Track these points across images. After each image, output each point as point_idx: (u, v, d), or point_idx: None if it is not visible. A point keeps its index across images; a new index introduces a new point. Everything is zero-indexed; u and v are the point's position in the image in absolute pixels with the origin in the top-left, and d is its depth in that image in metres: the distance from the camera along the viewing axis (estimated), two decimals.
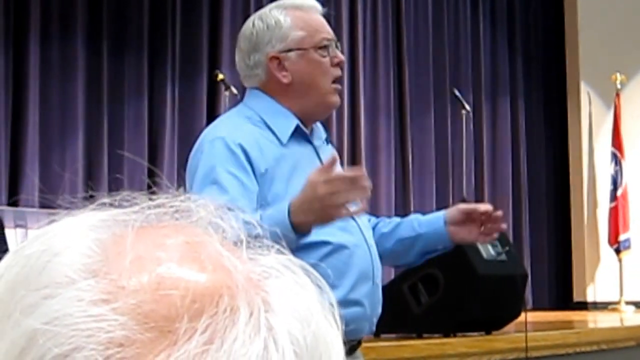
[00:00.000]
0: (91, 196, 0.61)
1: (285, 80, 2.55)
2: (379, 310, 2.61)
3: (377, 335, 4.91)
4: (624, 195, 9.26)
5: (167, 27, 7.30)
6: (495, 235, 2.70)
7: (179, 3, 7.37)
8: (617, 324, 7.14)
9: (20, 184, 6.42)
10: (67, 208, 0.60)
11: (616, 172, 9.29)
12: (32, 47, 6.60)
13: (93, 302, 0.53)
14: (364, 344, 2.73)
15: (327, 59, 2.58)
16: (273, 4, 2.63)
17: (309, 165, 2.55)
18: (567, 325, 6.76)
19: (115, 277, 0.54)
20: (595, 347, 5.62)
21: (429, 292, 5.07)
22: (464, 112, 6.98)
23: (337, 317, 0.58)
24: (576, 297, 9.52)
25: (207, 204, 0.60)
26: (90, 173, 6.76)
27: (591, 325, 7.14)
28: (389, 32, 8.71)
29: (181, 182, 2.61)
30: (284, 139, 2.53)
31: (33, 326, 0.53)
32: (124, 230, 0.58)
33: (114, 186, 0.65)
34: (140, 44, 7.14)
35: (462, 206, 2.69)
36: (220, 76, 6.44)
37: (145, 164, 6.49)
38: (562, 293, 9.62)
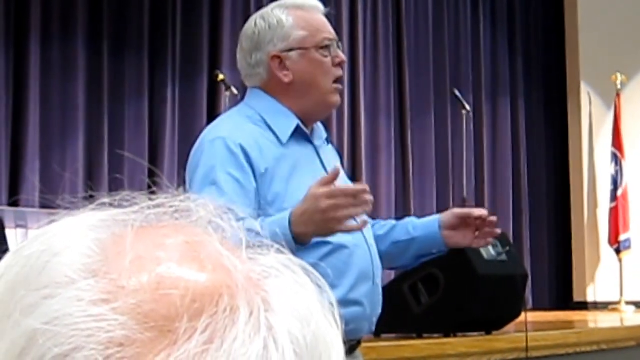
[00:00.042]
0: (91, 196, 0.61)
1: (286, 80, 2.55)
2: (379, 310, 2.61)
3: (377, 335, 4.91)
4: (624, 195, 9.26)
5: (167, 27, 7.30)
6: (490, 240, 2.69)
7: (179, 3, 7.37)
8: (618, 324, 7.14)
9: (20, 184, 6.42)
10: (67, 208, 0.61)
11: (616, 172, 9.29)
12: (33, 47, 6.60)
13: (93, 302, 0.53)
14: (364, 344, 2.73)
15: (328, 59, 2.58)
16: (275, 4, 2.64)
17: (309, 165, 2.56)
18: (568, 325, 6.76)
19: (115, 277, 0.54)
20: (595, 347, 5.61)
21: (429, 292, 5.07)
22: (464, 112, 6.98)
23: (337, 317, 0.58)
24: (576, 297, 9.51)
25: (207, 203, 0.60)
26: (90, 173, 6.76)
27: (591, 325, 7.14)
28: (389, 32, 8.71)
29: (181, 182, 2.61)
30: (284, 139, 2.53)
31: (33, 326, 0.53)
32: (124, 230, 0.58)
33: (114, 186, 0.65)
34: (140, 44, 7.14)
35: (457, 211, 2.69)
36: (221, 76, 6.44)
37: (146, 164, 6.49)
38: (562, 293, 9.61)
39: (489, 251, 5.05)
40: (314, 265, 0.60)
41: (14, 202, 5.85)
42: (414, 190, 8.63)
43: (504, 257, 5.18)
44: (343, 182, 2.60)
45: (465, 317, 5.03)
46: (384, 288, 2.68)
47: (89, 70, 6.87)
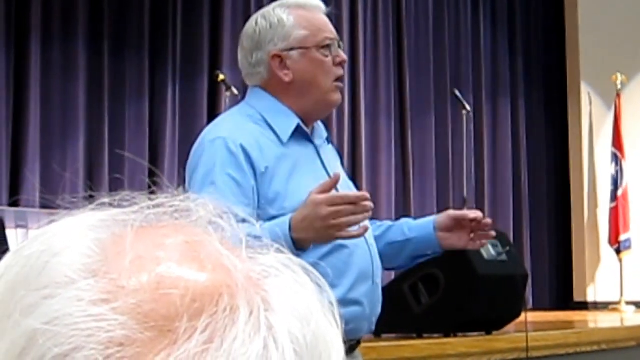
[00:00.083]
0: (91, 196, 0.61)
1: (286, 79, 2.55)
2: (379, 309, 2.61)
3: (377, 335, 4.91)
4: (625, 195, 9.26)
5: (168, 28, 7.30)
6: (485, 242, 2.69)
7: (179, 3, 7.37)
8: (618, 324, 7.14)
9: (21, 184, 6.42)
10: (67, 208, 0.61)
11: (617, 172, 9.29)
12: (33, 47, 6.60)
13: (93, 302, 0.53)
14: (364, 344, 2.73)
15: (329, 58, 2.58)
16: (277, 3, 2.64)
17: (309, 164, 2.56)
18: (568, 325, 6.76)
19: (115, 276, 0.54)
20: (595, 347, 5.61)
21: (429, 292, 5.07)
22: (464, 112, 6.97)
23: (337, 316, 0.59)
24: (576, 297, 9.51)
25: (207, 203, 0.60)
26: (90, 173, 6.76)
27: (592, 325, 7.14)
28: (390, 32, 8.71)
29: (181, 182, 2.61)
30: (285, 138, 2.53)
31: (33, 326, 0.53)
32: (124, 230, 0.58)
33: (115, 186, 0.65)
34: (141, 44, 7.14)
35: (452, 212, 2.69)
36: (221, 77, 6.43)
37: (146, 164, 6.49)
38: (562, 293, 9.61)
39: (489, 251, 5.05)
40: (314, 265, 0.60)
41: (14, 202, 5.85)
42: (414, 190, 8.63)
43: (504, 257, 5.18)
44: (344, 182, 2.60)
45: (465, 317, 5.03)
46: (384, 288, 2.68)
47: (89, 70, 6.87)
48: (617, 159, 9.30)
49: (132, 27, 7.13)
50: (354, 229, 2.31)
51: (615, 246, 9.17)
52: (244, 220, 0.64)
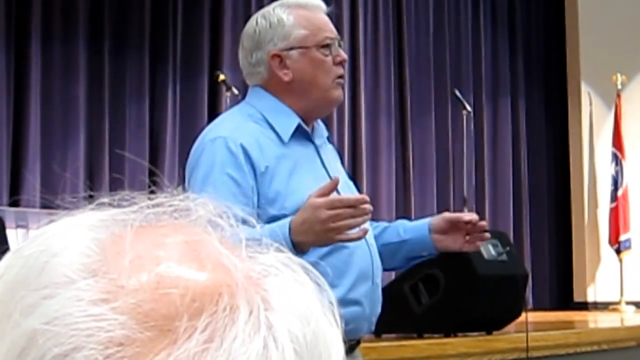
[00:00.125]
0: (91, 196, 0.61)
1: (286, 78, 2.55)
2: (378, 310, 2.60)
3: (377, 335, 4.92)
4: (625, 195, 9.26)
5: (168, 28, 7.30)
6: (479, 244, 2.69)
7: (180, 3, 7.37)
8: (618, 324, 7.14)
9: (21, 184, 6.42)
10: (67, 208, 0.61)
11: (617, 172, 9.29)
12: (34, 47, 6.60)
13: (92, 302, 0.53)
14: (364, 344, 2.73)
15: (329, 58, 2.58)
16: (277, 2, 2.64)
17: (309, 164, 2.56)
18: (568, 325, 6.76)
19: (114, 276, 0.54)
20: (595, 347, 5.61)
21: (429, 292, 5.07)
22: (464, 112, 6.97)
23: (337, 315, 0.58)
24: (577, 297, 9.51)
25: (206, 202, 0.60)
26: (91, 173, 6.76)
27: (592, 325, 7.14)
28: (390, 32, 8.71)
29: (182, 182, 2.61)
30: (286, 138, 2.53)
31: (33, 326, 0.53)
32: (123, 229, 0.58)
33: (115, 186, 0.65)
34: (141, 45, 7.14)
35: (447, 215, 2.69)
36: (222, 77, 6.43)
37: (146, 164, 6.49)
38: (562, 293, 9.61)
39: (489, 251, 5.05)
40: (314, 264, 0.60)
41: (14, 202, 5.85)
42: (415, 190, 8.63)
43: (504, 257, 5.18)
44: (344, 183, 2.61)
45: (465, 317, 5.03)
46: (384, 288, 2.68)
47: (89, 70, 6.87)
48: (617, 159, 9.30)
49: (133, 27, 7.13)
50: (353, 232, 2.31)
51: (616, 246, 9.17)
52: (244, 222, 0.64)
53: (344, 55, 2.61)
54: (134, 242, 0.56)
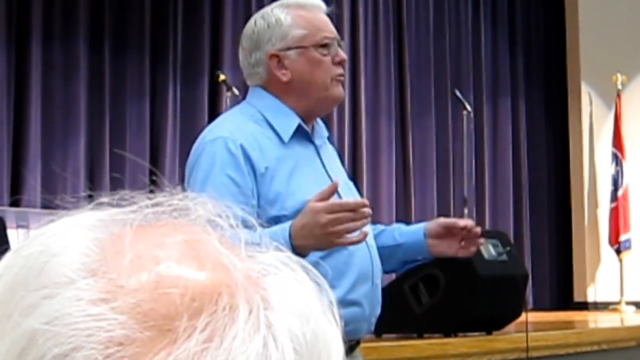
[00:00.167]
0: (91, 196, 0.61)
1: (284, 79, 2.55)
2: (378, 310, 2.61)
3: (378, 335, 4.92)
4: (625, 195, 9.26)
5: (168, 28, 7.30)
6: (473, 249, 2.68)
7: (180, 3, 7.37)
8: (618, 324, 7.14)
9: (22, 184, 6.42)
10: (68, 208, 0.61)
11: (617, 172, 9.28)
12: (34, 47, 6.60)
13: (92, 302, 0.53)
14: (365, 344, 2.74)
15: (328, 57, 2.58)
16: (277, 3, 2.64)
17: (309, 165, 2.56)
18: (568, 325, 6.76)
19: (114, 276, 0.54)
20: (595, 347, 5.61)
21: (429, 292, 5.07)
22: (465, 112, 6.98)
23: (336, 314, 0.59)
24: (577, 297, 9.51)
25: (205, 202, 0.60)
26: (91, 173, 6.77)
27: (592, 325, 7.14)
28: (390, 32, 8.71)
29: (182, 182, 2.61)
30: (286, 138, 2.53)
31: (33, 326, 0.53)
32: (123, 229, 0.58)
33: (116, 186, 0.65)
34: (142, 45, 7.14)
35: (443, 220, 2.69)
36: (222, 77, 6.43)
37: (147, 165, 6.49)
38: (562, 293, 9.61)
39: (489, 251, 5.05)
40: (314, 264, 0.60)
41: (15, 202, 5.85)
42: (415, 190, 8.63)
43: (504, 257, 5.18)
44: (344, 184, 2.61)
45: (465, 317, 5.03)
46: (384, 288, 2.69)
47: (90, 71, 6.87)
48: (617, 159, 9.30)
49: (133, 27, 7.13)
50: (353, 235, 2.31)
51: (616, 246, 9.17)
52: (244, 222, 0.64)
53: (342, 55, 2.61)
54: (133, 241, 0.56)
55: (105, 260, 0.55)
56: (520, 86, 9.69)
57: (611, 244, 9.22)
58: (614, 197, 9.25)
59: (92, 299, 0.53)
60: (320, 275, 0.60)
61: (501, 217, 9.27)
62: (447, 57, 9.07)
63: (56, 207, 0.62)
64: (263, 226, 0.65)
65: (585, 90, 9.71)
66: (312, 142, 2.60)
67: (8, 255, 0.59)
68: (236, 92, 6.15)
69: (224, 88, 6.46)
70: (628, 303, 8.76)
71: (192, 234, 0.58)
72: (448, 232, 2.63)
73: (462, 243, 2.64)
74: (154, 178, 0.69)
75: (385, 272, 2.82)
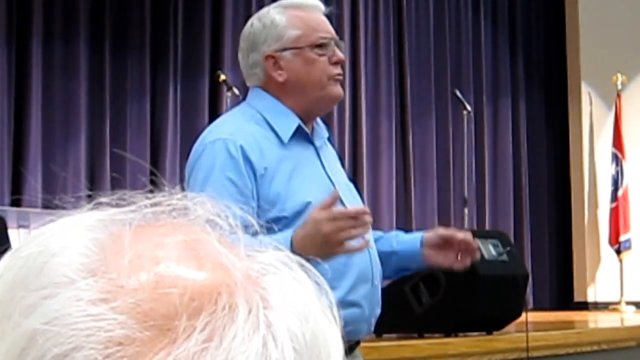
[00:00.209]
0: (91, 196, 0.61)
1: (280, 79, 2.55)
2: (378, 311, 2.60)
3: (378, 335, 4.92)
4: (625, 195, 9.26)
5: (169, 28, 7.30)
6: (468, 262, 2.68)
7: (181, 4, 7.38)
8: (618, 324, 7.14)
9: (22, 184, 6.42)
10: (68, 208, 0.61)
11: (617, 172, 9.28)
12: (35, 46, 6.60)
13: (92, 302, 0.53)
14: (365, 344, 2.73)
15: (324, 58, 2.57)
16: (275, 4, 2.64)
17: (309, 166, 2.56)
18: (568, 325, 6.76)
19: (113, 276, 0.54)
20: (596, 347, 5.61)
21: (430, 292, 5.07)
22: (465, 112, 6.98)
23: (336, 313, 0.59)
24: (577, 297, 9.51)
25: (204, 202, 0.60)
26: (92, 173, 6.77)
27: (592, 325, 7.14)
28: (391, 33, 8.71)
29: (182, 182, 2.61)
30: (286, 139, 2.53)
31: (33, 326, 0.53)
32: (122, 229, 0.58)
33: (116, 186, 0.65)
34: (142, 44, 7.15)
35: (441, 231, 2.68)
36: (222, 77, 6.43)
37: (147, 165, 6.49)
38: (563, 293, 9.61)
39: (489, 251, 5.05)
40: (314, 265, 0.60)
41: (16, 202, 5.86)
42: (415, 190, 8.63)
43: (504, 257, 5.18)
44: (344, 184, 2.61)
45: (466, 317, 5.03)
46: (385, 288, 2.69)
47: (90, 70, 6.87)
48: (617, 159, 9.29)
49: (134, 27, 7.13)
50: (355, 243, 2.32)
51: (616, 246, 9.17)
52: (244, 224, 0.64)
53: (340, 54, 2.60)
54: (132, 241, 0.56)
55: (105, 260, 0.55)
56: (520, 86, 9.69)
57: (611, 244, 9.22)
58: (614, 197, 9.25)
59: (92, 299, 0.53)
60: (319, 274, 0.60)
61: (501, 217, 9.26)
62: (447, 57, 9.07)
63: (57, 207, 0.62)
64: (263, 227, 0.65)
65: (585, 90, 9.71)
66: (311, 142, 2.60)
67: (7, 256, 0.59)
68: (236, 92, 6.15)
69: (224, 88, 6.46)
70: (628, 303, 8.76)
71: (192, 234, 0.58)
72: (446, 243, 2.63)
73: (458, 256, 2.64)
74: (154, 178, 0.69)
75: None
